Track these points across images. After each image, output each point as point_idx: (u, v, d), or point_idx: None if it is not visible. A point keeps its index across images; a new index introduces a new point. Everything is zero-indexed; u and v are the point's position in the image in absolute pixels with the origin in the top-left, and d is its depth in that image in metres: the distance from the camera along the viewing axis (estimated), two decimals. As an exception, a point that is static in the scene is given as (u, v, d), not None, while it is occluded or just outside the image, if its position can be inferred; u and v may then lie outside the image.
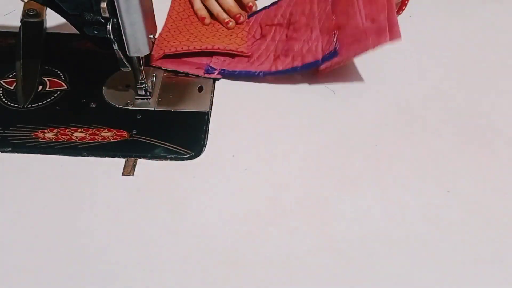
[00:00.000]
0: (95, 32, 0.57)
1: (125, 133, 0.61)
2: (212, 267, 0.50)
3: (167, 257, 0.50)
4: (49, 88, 0.66)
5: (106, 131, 0.61)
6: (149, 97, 0.65)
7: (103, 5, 0.54)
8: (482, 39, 0.74)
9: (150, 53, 0.60)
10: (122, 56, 0.59)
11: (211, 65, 0.68)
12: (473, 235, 0.52)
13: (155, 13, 0.60)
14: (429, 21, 0.75)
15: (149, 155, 0.59)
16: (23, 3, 0.76)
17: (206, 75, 0.67)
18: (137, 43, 0.58)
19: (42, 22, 0.73)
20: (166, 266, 0.50)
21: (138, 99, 0.65)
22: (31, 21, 0.73)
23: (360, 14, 0.63)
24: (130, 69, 0.61)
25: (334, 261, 0.50)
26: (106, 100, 0.65)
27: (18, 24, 0.73)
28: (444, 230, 0.53)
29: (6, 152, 0.59)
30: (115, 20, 0.56)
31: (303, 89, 0.67)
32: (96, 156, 0.59)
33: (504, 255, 0.51)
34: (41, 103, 0.64)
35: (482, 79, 0.68)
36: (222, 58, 0.69)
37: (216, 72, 0.67)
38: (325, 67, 0.64)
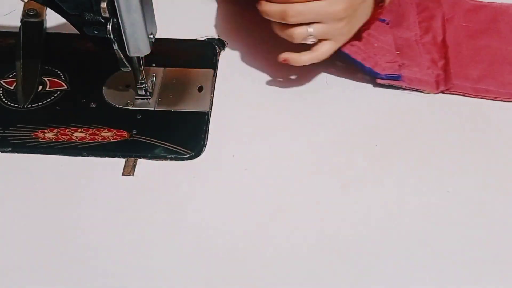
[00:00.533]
0: (95, 32, 0.57)
1: (125, 133, 0.61)
2: (212, 267, 0.50)
3: (167, 257, 0.50)
4: (49, 88, 0.66)
5: (106, 131, 0.61)
6: (149, 97, 0.65)
7: (103, 5, 0.54)
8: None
9: (150, 53, 0.60)
10: (122, 56, 0.59)
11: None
12: (473, 235, 0.52)
13: (155, 13, 0.60)
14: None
15: (149, 155, 0.59)
16: (23, 3, 0.76)
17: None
18: (137, 43, 0.58)
19: (42, 22, 0.73)
20: (166, 266, 0.50)
21: (138, 99, 0.65)
22: (31, 21, 0.73)
23: (422, 64, 0.67)
24: (130, 69, 0.61)
25: (334, 261, 0.50)
26: (106, 100, 0.65)
27: (18, 24, 0.73)
28: (444, 230, 0.53)
29: (6, 152, 0.59)
30: (115, 20, 0.56)
31: (303, 89, 0.67)
32: (96, 156, 0.59)
33: (504, 255, 0.51)
34: (41, 103, 0.64)
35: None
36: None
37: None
38: (383, 82, 0.65)
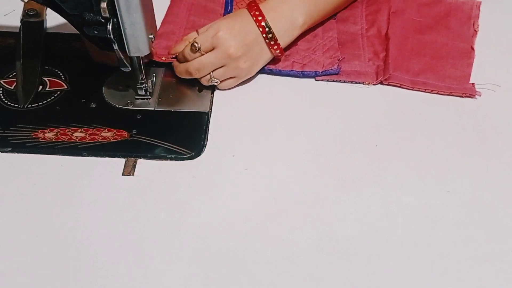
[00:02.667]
0: (95, 32, 0.57)
1: (125, 133, 0.61)
2: (212, 267, 0.50)
3: (167, 257, 0.50)
4: (49, 88, 0.66)
5: (106, 131, 0.61)
6: (149, 97, 0.65)
7: (103, 5, 0.54)
8: (482, 39, 0.74)
9: (150, 53, 0.60)
10: (122, 56, 0.59)
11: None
12: (473, 235, 0.52)
13: (155, 13, 0.61)
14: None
15: (149, 155, 0.59)
16: (23, 3, 0.76)
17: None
18: (137, 43, 0.58)
19: (42, 22, 0.73)
20: (166, 266, 0.50)
21: (138, 99, 0.65)
22: (31, 21, 0.73)
23: (364, 57, 0.69)
24: (130, 69, 0.61)
25: (334, 261, 0.50)
26: (106, 100, 0.65)
27: (18, 24, 0.73)
28: (444, 230, 0.53)
29: (6, 152, 0.59)
30: (115, 20, 0.56)
31: (304, 89, 0.67)
32: (96, 156, 0.59)
33: (504, 255, 0.51)
34: (41, 103, 0.64)
35: (482, 79, 0.68)
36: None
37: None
38: (321, 79, 0.68)
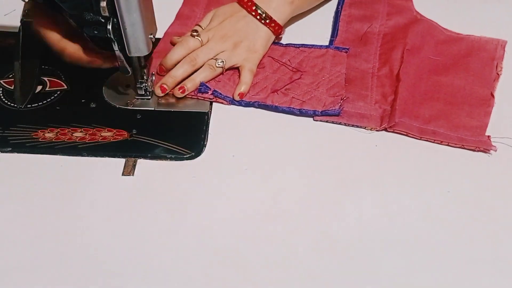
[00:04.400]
0: (95, 32, 0.57)
1: (125, 133, 0.61)
2: (212, 267, 0.50)
3: (167, 257, 0.50)
4: (49, 88, 0.66)
5: (106, 131, 0.61)
6: (149, 97, 0.65)
7: (103, 4, 0.54)
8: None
9: (150, 53, 0.60)
10: (123, 59, 0.59)
11: (204, 83, 0.65)
12: (473, 235, 0.52)
13: (155, 13, 0.61)
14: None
15: (149, 155, 0.59)
16: (23, 3, 0.76)
17: (199, 95, 0.64)
18: (137, 43, 0.58)
19: None
20: (166, 266, 0.50)
21: (138, 99, 0.65)
22: (31, 21, 0.73)
23: (371, 98, 0.64)
24: (130, 73, 0.61)
25: (334, 261, 0.50)
26: (106, 100, 0.65)
27: (18, 24, 0.73)
28: (444, 230, 0.53)
29: (6, 152, 0.59)
30: (115, 20, 0.56)
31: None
32: (96, 156, 0.59)
33: (504, 255, 0.51)
34: (41, 103, 0.64)
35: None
36: (217, 77, 0.66)
37: (210, 92, 0.64)
38: (320, 119, 0.63)
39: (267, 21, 0.68)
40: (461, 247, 0.51)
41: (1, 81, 0.67)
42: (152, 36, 0.59)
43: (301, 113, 0.63)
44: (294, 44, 0.71)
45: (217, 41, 0.67)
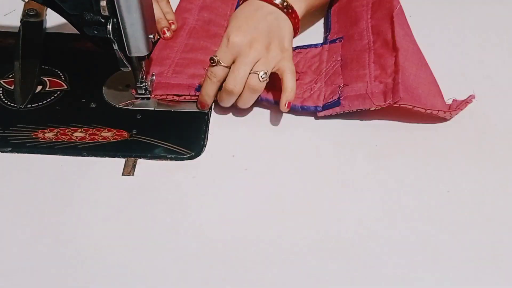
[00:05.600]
0: (95, 32, 0.57)
1: (125, 133, 0.61)
2: (212, 267, 0.50)
3: (167, 257, 0.50)
4: (49, 88, 0.66)
5: (106, 131, 0.61)
6: (149, 96, 0.65)
7: (103, 3, 0.54)
8: (482, 39, 0.74)
9: (150, 53, 0.60)
10: (122, 56, 0.59)
11: (201, 83, 0.63)
12: (473, 235, 0.52)
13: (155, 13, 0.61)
14: (428, 21, 0.75)
15: (149, 155, 0.59)
16: (23, 3, 0.76)
17: (198, 94, 0.63)
18: (137, 43, 0.58)
19: (42, 22, 0.73)
20: (166, 266, 0.50)
21: (138, 99, 0.65)
22: (31, 21, 0.73)
23: (370, 76, 0.62)
24: (130, 69, 0.61)
25: (334, 261, 0.50)
26: (106, 100, 0.65)
27: (18, 24, 0.73)
28: (444, 230, 0.53)
29: (6, 152, 0.59)
30: (115, 20, 0.56)
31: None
32: (96, 156, 0.59)
33: (504, 255, 0.51)
34: (41, 103, 0.64)
35: (482, 79, 0.68)
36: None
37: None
38: (324, 114, 0.62)
39: (289, 10, 0.63)
40: (461, 247, 0.51)
41: (1, 81, 0.67)
42: (152, 36, 0.59)
43: (303, 109, 0.62)
44: None
45: (246, 51, 0.59)
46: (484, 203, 0.55)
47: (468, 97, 0.61)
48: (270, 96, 0.63)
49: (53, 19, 0.73)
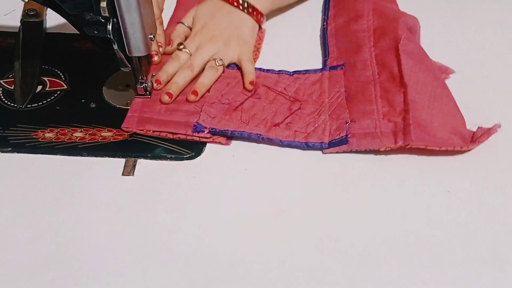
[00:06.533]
0: (95, 32, 0.57)
1: (125, 133, 0.61)
2: (212, 267, 0.50)
3: (167, 257, 0.50)
4: (49, 88, 0.66)
5: (106, 131, 0.61)
6: (149, 96, 0.65)
7: (103, 4, 0.54)
8: (482, 39, 0.74)
9: (149, 54, 0.60)
10: (122, 56, 0.59)
11: (200, 122, 0.60)
12: (473, 235, 0.52)
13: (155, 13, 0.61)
14: (428, 21, 0.75)
15: (149, 155, 0.59)
16: (23, 3, 0.76)
17: (195, 135, 0.60)
18: (137, 43, 0.58)
19: (42, 22, 0.73)
20: (166, 266, 0.50)
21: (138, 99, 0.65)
22: (31, 21, 0.73)
23: (378, 113, 0.59)
24: (130, 69, 0.61)
25: (334, 261, 0.50)
26: (106, 100, 0.65)
27: (18, 24, 0.73)
28: (444, 230, 0.53)
29: (6, 152, 0.59)
30: (115, 20, 0.56)
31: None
32: (96, 156, 0.59)
33: (504, 255, 0.51)
34: (41, 103, 0.64)
35: (482, 79, 0.68)
36: (211, 112, 0.61)
37: (206, 130, 0.59)
38: (330, 152, 0.59)
39: (250, 10, 0.70)
40: (461, 247, 0.51)
41: (1, 81, 0.67)
42: (152, 36, 0.59)
43: (308, 146, 0.59)
44: (287, 71, 0.68)
45: (207, 44, 0.68)
46: (484, 203, 0.55)
47: (493, 126, 0.58)
48: (271, 135, 0.60)
49: (53, 19, 0.73)
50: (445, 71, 0.67)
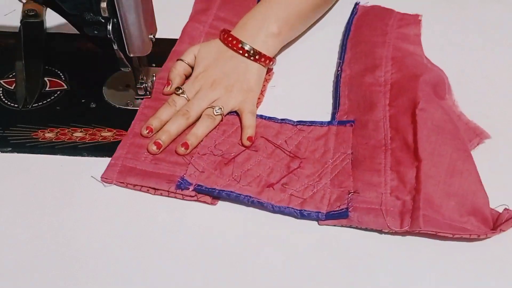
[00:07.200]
0: (95, 32, 0.57)
1: (125, 133, 0.61)
2: (212, 267, 0.50)
3: (167, 257, 0.50)
4: (49, 88, 0.66)
5: (106, 131, 0.61)
6: (149, 96, 0.65)
7: (103, 5, 0.54)
8: (482, 39, 0.74)
9: (150, 53, 0.60)
10: (122, 56, 0.59)
11: (185, 177, 0.54)
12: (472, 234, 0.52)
13: (155, 13, 0.61)
14: (428, 21, 0.75)
15: (149, 155, 0.59)
16: (23, 3, 0.76)
17: (178, 192, 0.54)
18: (137, 43, 0.58)
19: (42, 23, 0.73)
20: (166, 266, 0.50)
21: (138, 99, 0.65)
22: (31, 21, 0.73)
23: (385, 186, 0.53)
24: (130, 69, 0.61)
25: (334, 261, 0.50)
26: (106, 100, 0.65)
27: (18, 24, 0.73)
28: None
29: (6, 152, 0.59)
30: (115, 20, 0.56)
31: (303, 88, 0.67)
32: (96, 156, 0.59)
33: (504, 255, 0.51)
34: (41, 103, 0.64)
35: (482, 79, 0.68)
36: (200, 165, 0.56)
37: (191, 187, 0.54)
38: (326, 224, 0.52)
39: (257, 57, 0.63)
40: (462, 246, 0.51)
41: (1, 81, 0.67)
42: (152, 36, 0.59)
43: (303, 216, 0.52)
44: (290, 121, 0.61)
45: (207, 90, 0.62)
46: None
47: None
48: (263, 197, 0.54)
49: (53, 19, 0.73)
50: (480, 134, 0.59)
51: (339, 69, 0.67)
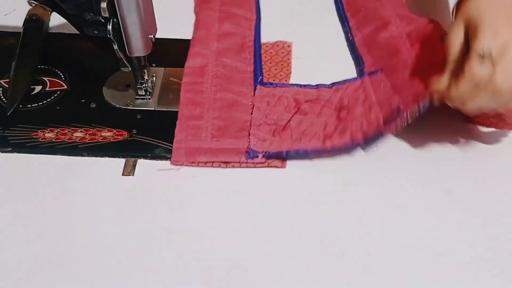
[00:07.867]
0: (95, 32, 0.57)
1: (125, 133, 0.61)
2: (212, 267, 0.50)
3: (167, 257, 0.50)
4: (49, 88, 0.66)
5: (106, 131, 0.61)
6: (149, 97, 0.65)
7: (103, 5, 0.54)
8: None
9: (150, 53, 0.60)
10: (122, 56, 0.59)
11: (251, 147, 0.58)
12: (473, 235, 0.52)
13: (155, 13, 0.61)
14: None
15: (149, 155, 0.59)
16: (23, 3, 0.76)
17: (250, 161, 0.57)
18: (137, 43, 0.58)
19: (42, 27, 0.73)
20: (166, 266, 0.50)
21: (138, 99, 0.65)
22: (33, 26, 0.73)
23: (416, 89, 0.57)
24: (130, 69, 0.61)
25: (334, 261, 0.50)
26: (106, 100, 0.65)
27: (18, 24, 0.73)
28: (444, 230, 0.53)
29: (6, 152, 0.59)
30: (115, 20, 0.56)
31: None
32: (96, 156, 0.59)
33: (504, 255, 0.51)
34: (41, 103, 0.64)
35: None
36: (260, 135, 0.59)
37: (260, 155, 0.57)
38: (390, 131, 0.57)
39: None
40: (462, 247, 0.51)
41: (1, 81, 0.67)
42: (152, 36, 0.59)
43: (368, 142, 0.58)
44: (324, 85, 0.65)
45: None
46: (484, 203, 0.55)
47: None
48: (328, 146, 0.58)
49: (53, 19, 0.73)
50: None
51: (350, 35, 0.72)
